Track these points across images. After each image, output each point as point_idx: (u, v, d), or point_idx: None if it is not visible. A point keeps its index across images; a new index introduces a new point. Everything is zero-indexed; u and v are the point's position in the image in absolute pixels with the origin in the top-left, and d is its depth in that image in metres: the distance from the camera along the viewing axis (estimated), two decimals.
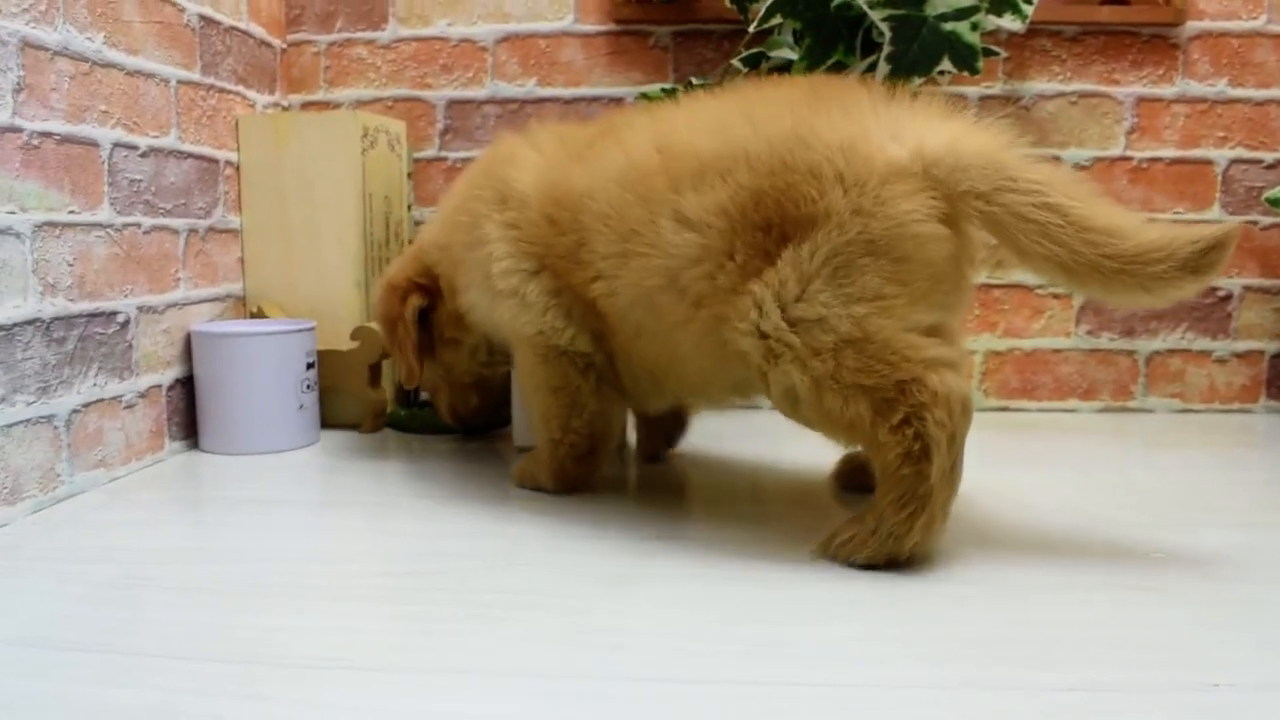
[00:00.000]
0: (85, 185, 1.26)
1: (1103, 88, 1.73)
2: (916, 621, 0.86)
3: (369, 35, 1.82)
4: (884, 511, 0.97)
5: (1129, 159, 1.74)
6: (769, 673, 0.77)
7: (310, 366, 1.52)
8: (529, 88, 1.81)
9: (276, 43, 1.79)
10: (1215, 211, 1.74)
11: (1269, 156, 1.73)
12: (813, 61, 1.51)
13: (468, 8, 1.80)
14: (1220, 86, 1.72)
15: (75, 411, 1.25)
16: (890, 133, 0.98)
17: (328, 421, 1.62)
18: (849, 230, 0.95)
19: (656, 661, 0.79)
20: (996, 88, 1.74)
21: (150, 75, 1.39)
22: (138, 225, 1.37)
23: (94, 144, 1.28)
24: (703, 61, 1.77)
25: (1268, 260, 1.75)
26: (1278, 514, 1.19)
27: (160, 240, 1.42)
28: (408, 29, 1.81)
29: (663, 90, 1.62)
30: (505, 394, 1.53)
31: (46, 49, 1.19)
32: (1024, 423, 1.71)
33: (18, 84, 1.15)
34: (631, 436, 1.47)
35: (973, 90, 1.74)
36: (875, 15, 1.45)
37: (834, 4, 1.48)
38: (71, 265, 1.24)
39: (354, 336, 1.58)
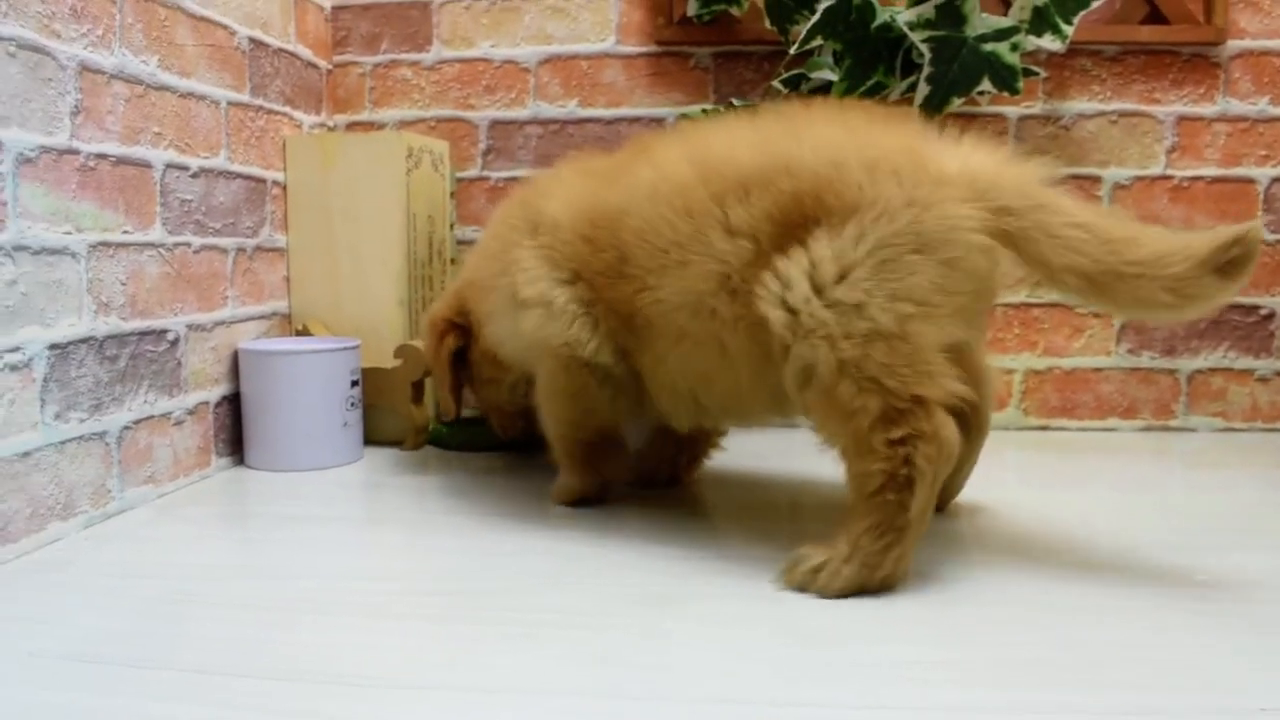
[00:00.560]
0: (138, 206, 1.29)
1: (1143, 107, 1.73)
2: (961, 643, 0.86)
3: (413, 57, 1.85)
4: (860, 539, 0.96)
5: (1170, 178, 1.74)
6: (813, 694, 0.77)
7: (354, 384, 1.54)
8: (570, 108, 1.82)
9: (323, 64, 1.82)
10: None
11: None
12: (853, 82, 1.52)
13: (511, 30, 1.82)
14: (1262, 105, 1.71)
15: (126, 428, 1.27)
16: (940, 149, 1.01)
17: (371, 438, 1.64)
18: (899, 220, 0.96)
19: (700, 682, 0.79)
20: (1036, 107, 1.74)
21: (202, 97, 1.42)
22: (188, 245, 1.39)
23: (147, 165, 1.30)
24: (743, 83, 1.78)
25: None
26: None
27: (209, 259, 1.45)
28: (451, 50, 1.84)
29: (703, 111, 1.64)
30: None
31: (104, 72, 1.22)
32: (1064, 442, 1.70)
33: (75, 107, 1.18)
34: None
35: (1013, 110, 1.74)
36: (915, 36, 1.46)
37: (874, 25, 1.49)
38: (124, 284, 1.26)
39: (397, 354, 1.59)
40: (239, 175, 1.52)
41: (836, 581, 0.96)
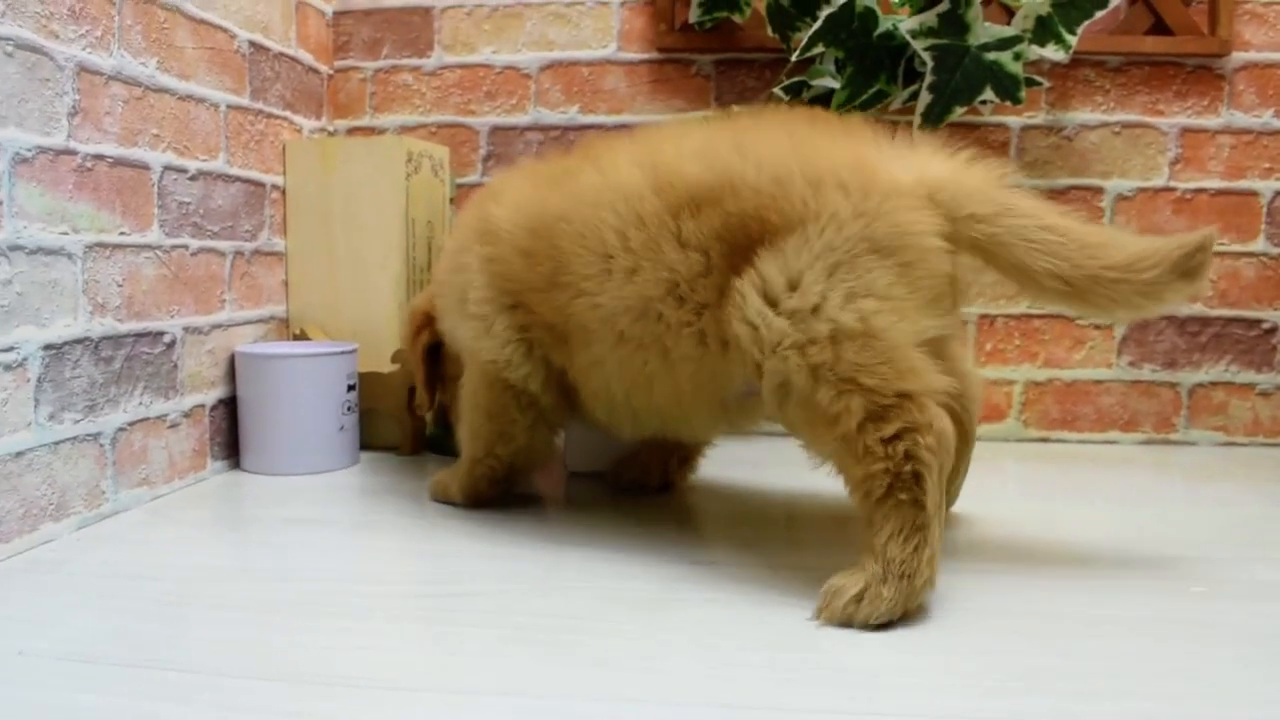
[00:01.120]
0: (136, 207, 1.29)
1: (1147, 118, 1.72)
2: (959, 651, 0.86)
3: (415, 62, 1.85)
4: (886, 549, 0.91)
5: (1172, 190, 1.73)
6: (807, 700, 0.76)
7: (351, 389, 1.53)
8: (571, 115, 1.82)
9: (324, 69, 1.82)
10: (1260, 243, 1.72)
11: None
12: (854, 90, 1.52)
13: (512, 36, 1.82)
14: (1266, 118, 1.70)
15: (121, 430, 1.26)
16: (893, 159, 1.00)
17: (367, 443, 1.63)
18: (848, 228, 0.94)
19: (692, 687, 0.78)
20: (1039, 118, 1.73)
21: (201, 100, 1.42)
22: (185, 247, 1.39)
23: (145, 167, 1.30)
24: (745, 90, 1.78)
25: None
26: None
27: (207, 262, 1.44)
28: (453, 56, 1.84)
29: (704, 118, 1.63)
30: None
31: (101, 73, 1.22)
32: (1064, 454, 1.69)
33: (73, 107, 1.17)
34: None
35: (1015, 120, 1.73)
36: (918, 44, 1.46)
37: (876, 33, 1.48)
38: (120, 286, 1.26)
39: (394, 359, 1.59)
40: (238, 179, 1.52)
41: (881, 605, 0.89)
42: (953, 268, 0.98)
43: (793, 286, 0.95)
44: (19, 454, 1.10)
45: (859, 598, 0.90)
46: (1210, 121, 1.72)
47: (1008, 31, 1.49)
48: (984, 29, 1.48)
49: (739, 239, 0.99)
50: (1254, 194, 1.72)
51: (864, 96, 1.52)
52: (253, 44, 1.56)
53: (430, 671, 0.81)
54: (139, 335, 1.29)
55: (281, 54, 1.65)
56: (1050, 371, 1.78)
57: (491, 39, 1.82)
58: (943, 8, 1.45)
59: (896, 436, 0.91)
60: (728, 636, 0.89)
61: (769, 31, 1.61)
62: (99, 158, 1.22)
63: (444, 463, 1.56)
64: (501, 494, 1.31)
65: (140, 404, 1.30)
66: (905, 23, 1.47)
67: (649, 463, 1.41)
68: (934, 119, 1.48)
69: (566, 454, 1.51)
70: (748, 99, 1.77)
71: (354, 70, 1.86)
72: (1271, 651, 0.86)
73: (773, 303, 0.96)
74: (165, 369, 1.35)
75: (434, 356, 1.41)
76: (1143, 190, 1.74)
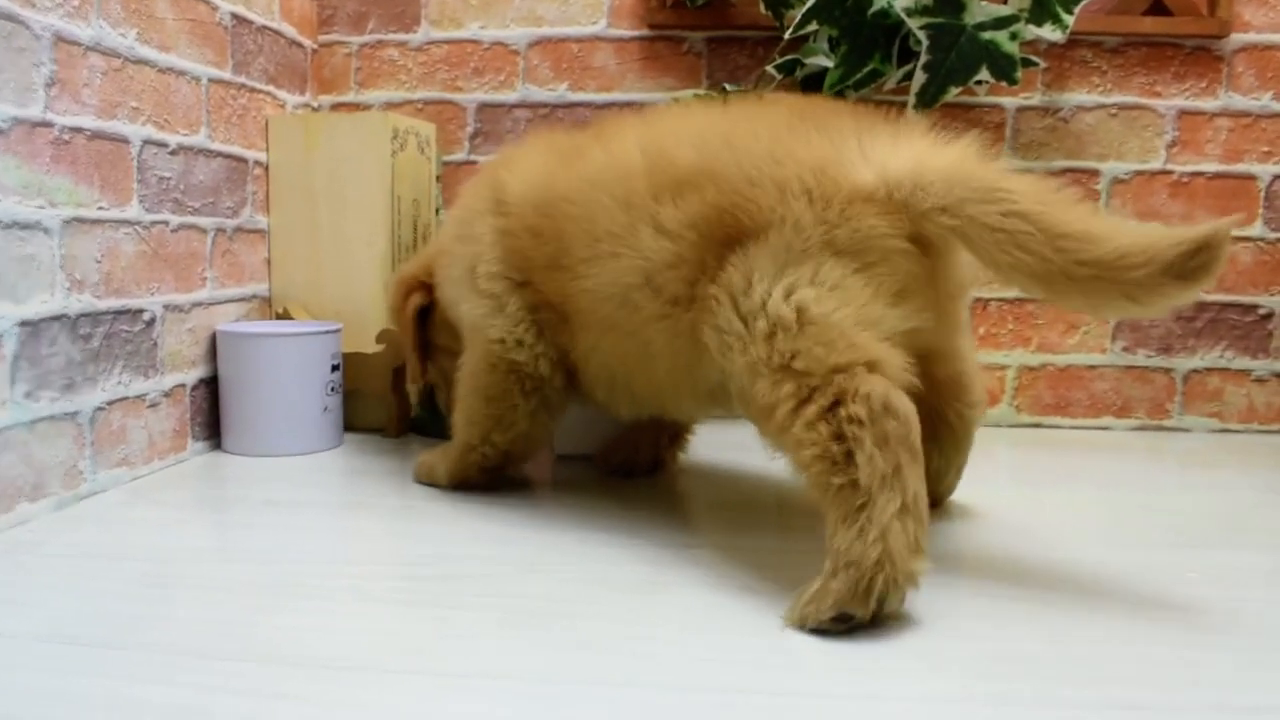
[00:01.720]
0: (115, 182, 1.26)
1: (1144, 100, 1.71)
2: (947, 636, 0.85)
3: (401, 37, 1.82)
4: (834, 541, 0.85)
5: (1169, 173, 1.72)
6: (797, 684, 0.75)
7: (335, 369, 1.51)
8: (560, 92, 1.79)
9: (308, 43, 1.79)
10: (1258, 228, 1.70)
11: None
12: (848, 69, 1.50)
13: (500, 11, 1.79)
14: (1265, 100, 1.69)
15: (99, 409, 1.24)
16: (863, 156, 0.95)
17: (352, 424, 1.61)
18: (808, 232, 0.92)
19: (682, 670, 0.77)
20: (1035, 99, 1.71)
21: (182, 73, 1.39)
22: (165, 223, 1.36)
23: (124, 140, 1.27)
24: (737, 68, 1.75)
25: None
26: None
27: (188, 239, 1.41)
28: (439, 31, 1.81)
29: (695, 96, 1.61)
30: None
31: (79, 44, 1.19)
32: (1057, 440, 1.68)
33: (50, 78, 1.14)
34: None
35: (1010, 101, 1.71)
36: (913, 23, 1.44)
37: (871, 11, 1.46)
38: (99, 262, 1.23)
39: (379, 339, 1.57)
40: (220, 154, 1.49)
41: (827, 600, 0.84)
42: (930, 265, 0.94)
43: (748, 285, 0.94)
44: None
45: (813, 597, 0.86)
46: (1208, 104, 1.70)
47: (1004, 11, 1.47)
48: (980, 8, 1.45)
49: (715, 232, 0.97)
50: (1252, 178, 1.70)
51: (858, 76, 1.50)
52: (235, 16, 1.53)
53: (415, 654, 0.80)
54: (118, 313, 1.27)
55: (265, 27, 1.62)
56: (1043, 356, 1.76)
57: (479, 14, 1.79)
58: None
59: (822, 417, 0.87)
60: (716, 620, 0.87)
61: (762, 8, 1.58)
62: (77, 130, 1.19)
63: (429, 444, 1.54)
64: (489, 483, 1.29)
65: (119, 383, 1.27)
66: (900, 1, 1.45)
67: (638, 443, 1.39)
68: (929, 99, 1.46)
69: (554, 437, 1.49)
70: (739, 77, 1.74)
71: (339, 45, 1.83)
72: (1262, 639, 0.85)
73: (735, 308, 0.94)
74: (145, 347, 1.32)
75: (422, 322, 1.38)
76: (1139, 173, 1.72)
